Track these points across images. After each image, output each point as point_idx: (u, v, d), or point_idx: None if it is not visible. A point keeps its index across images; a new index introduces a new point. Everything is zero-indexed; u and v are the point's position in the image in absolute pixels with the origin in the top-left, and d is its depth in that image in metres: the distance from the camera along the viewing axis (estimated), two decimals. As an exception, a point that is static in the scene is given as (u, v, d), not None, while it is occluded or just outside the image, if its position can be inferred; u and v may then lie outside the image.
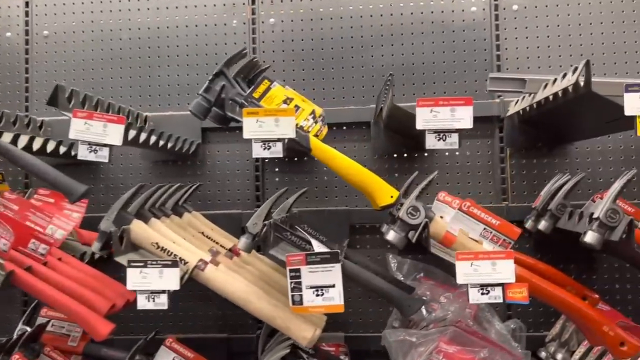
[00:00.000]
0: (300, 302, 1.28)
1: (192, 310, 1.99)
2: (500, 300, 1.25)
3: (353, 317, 1.96)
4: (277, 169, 2.01)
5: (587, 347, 1.54)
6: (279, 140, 1.30)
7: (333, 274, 1.28)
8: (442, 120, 1.28)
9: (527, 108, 1.72)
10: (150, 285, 1.31)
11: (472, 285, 1.26)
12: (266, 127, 1.30)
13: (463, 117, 1.27)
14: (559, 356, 1.63)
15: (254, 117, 1.30)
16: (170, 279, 1.32)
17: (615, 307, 1.81)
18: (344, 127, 2.00)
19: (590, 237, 1.30)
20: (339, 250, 1.28)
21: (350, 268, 1.42)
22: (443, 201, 1.66)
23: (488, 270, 1.26)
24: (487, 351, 1.43)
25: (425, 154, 1.97)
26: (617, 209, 1.29)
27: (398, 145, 1.95)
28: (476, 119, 1.96)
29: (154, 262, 1.32)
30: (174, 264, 1.32)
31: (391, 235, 1.34)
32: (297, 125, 1.36)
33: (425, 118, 1.28)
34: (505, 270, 1.25)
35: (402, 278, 1.82)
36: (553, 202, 1.67)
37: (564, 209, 1.65)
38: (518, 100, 1.81)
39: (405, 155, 1.97)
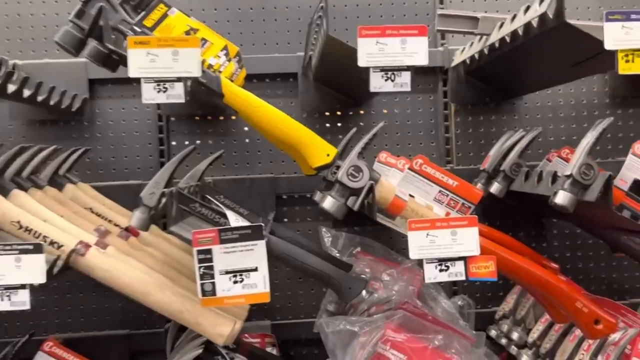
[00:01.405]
0: (213, 293, 0.98)
1: (84, 304, 1.62)
2: (463, 278, 1.02)
3: (280, 301, 1.68)
4: (185, 131, 1.67)
5: (546, 324, 1.36)
6: (178, 80, 0.97)
7: (255, 255, 0.99)
8: (391, 54, 1.01)
9: (477, 55, 1.49)
10: (3, 278, 0.96)
11: (429, 260, 1.02)
12: (161, 62, 0.97)
13: (416, 50, 1.00)
14: (515, 335, 1.44)
15: (144, 47, 0.97)
16: (33, 269, 0.97)
17: (566, 276, 1.67)
18: (267, 80, 1.69)
19: (561, 197, 1.09)
20: (262, 224, 0.99)
21: (277, 246, 1.14)
22: (385, 163, 1.41)
23: (447, 241, 1.01)
24: (442, 337, 1.20)
25: (362, 112, 1.71)
26: (591, 165, 1.09)
27: (331, 101, 1.67)
28: (417, 70, 1.75)
29: (8, 247, 0.96)
30: (37, 248, 0.97)
31: (328, 203, 1.07)
32: (204, 62, 1.04)
33: (370, 52, 1.00)
34: (468, 240, 1.02)
35: (337, 254, 1.56)
36: (506, 162, 1.47)
37: (518, 169, 1.45)
38: (465, 47, 1.59)
39: (338, 113, 1.70)
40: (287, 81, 1.68)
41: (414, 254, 1.02)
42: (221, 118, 1.67)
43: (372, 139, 1.10)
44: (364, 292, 1.46)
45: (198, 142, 1.66)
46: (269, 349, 1.61)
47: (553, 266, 1.39)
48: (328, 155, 1.10)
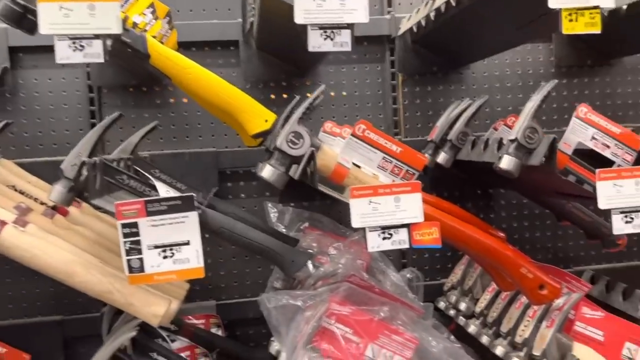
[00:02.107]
0: (141, 269, 0.91)
1: (12, 290, 1.51)
2: (407, 245, 0.98)
3: (226, 280, 1.62)
4: (119, 103, 1.56)
5: (493, 293, 1.36)
6: (96, 37, 0.88)
7: (187, 227, 0.92)
8: (329, 11, 0.94)
9: (423, 22, 1.45)
10: None
11: (372, 228, 0.97)
12: (76, 18, 0.88)
13: (356, 7, 0.94)
14: (462, 305, 1.43)
15: (56, 1, 0.87)
16: None
17: (513, 246, 1.67)
18: (206, 48, 1.60)
19: (506, 162, 1.07)
20: (193, 194, 0.92)
21: (214, 219, 1.07)
22: (330, 132, 1.36)
23: (390, 207, 0.97)
24: (388, 309, 1.17)
25: (308, 83, 1.65)
26: (536, 128, 1.07)
27: (275, 70, 1.60)
28: (364, 39, 1.69)
29: None
30: (-61, 226, 0.87)
31: (267, 172, 1.00)
32: (126, 20, 0.95)
33: (307, 8, 0.93)
34: (411, 207, 0.98)
35: (284, 230, 1.50)
36: (453, 131, 1.44)
37: (465, 138, 1.43)
38: (411, 15, 1.54)
39: (284, 83, 1.63)
40: (229, 50, 1.60)
41: (356, 222, 0.97)
42: (157, 89, 1.57)
43: (312, 103, 1.04)
44: (310, 267, 1.42)
45: (133, 116, 1.56)
46: (214, 330, 1.55)
47: (499, 235, 1.38)
48: (266, 121, 1.04)
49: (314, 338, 1.12)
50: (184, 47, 1.57)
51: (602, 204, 1.02)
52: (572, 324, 1.16)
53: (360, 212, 0.97)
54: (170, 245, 0.92)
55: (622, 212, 1.03)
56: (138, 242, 0.91)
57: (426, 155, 1.52)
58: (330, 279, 1.29)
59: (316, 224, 1.58)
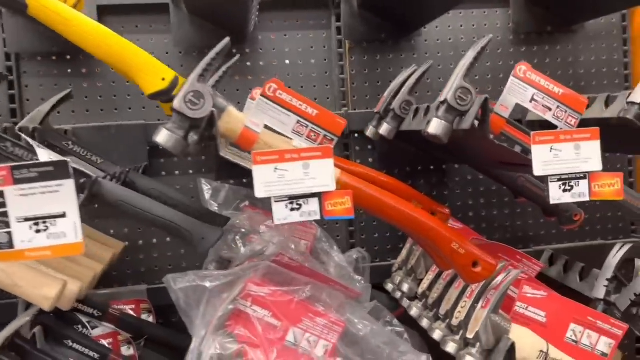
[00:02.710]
0: (10, 245, 0.80)
1: None
2: (317, 217, 0.88)
3: (159, 263, 1.52)
4: (40, 72, 1.44)
5: (436, 273, 1.26)
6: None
7: (62, 197, 0.81)
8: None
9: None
10: None
11: (278, 198, 0.87)
12: None
13: None
14: (405, 287, 1.34)
15: None
16: None
17: (468, 225, 1.57)
18: (135, 13, 1.48)
19: (434, 126, 0.97)
20: (68, 160, 0.81)
21: (111, 191, 0.97)
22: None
23: (299, 175, 0.87)
24: (311, 288, 1.07)
25: (248, 50, 1.54)
26: (468, 88, 0.97)
27: (209, 36, 1.48)
28: (308, 4, 1.58)
29: None
30: None
31: (163, 137, 0.89)
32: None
33: None
34: (322, 174, 0.87)
35: (216, 208, 1.40)
36: (396, 100, 1.34)
37: (409, 108, 1.32)
38: (356, -24, 1.43)
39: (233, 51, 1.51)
40: (160, 14, 1.48)
41: (260, 191, 0.87)
42: (82, 57, 1.45)
43: (215, 60, 0.93)
44: (241, 246, 1.32)
45: (56, 85, 1.44)
46: (144, 316, 1.44)
47: (444, 211, 1.28)
48: (164, 79, 0.92)
49: (227, 322, 1.02)
50: (114, 11, 1.46)
51: (538, 170, 0.92)
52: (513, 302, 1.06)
53: (265, 180, 0.87)
54: (44, 218, 0.81)
55: (560, 180, 0.92)
56: (5, 214, 0.79)
57: (370, 127, 1.43)
58: (257, 258, 1.19)
59: (257, 203, 1.47)
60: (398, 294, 1.41)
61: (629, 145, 1.38)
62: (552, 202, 0.93)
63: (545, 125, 1.04)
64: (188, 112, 0.90)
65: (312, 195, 0.87)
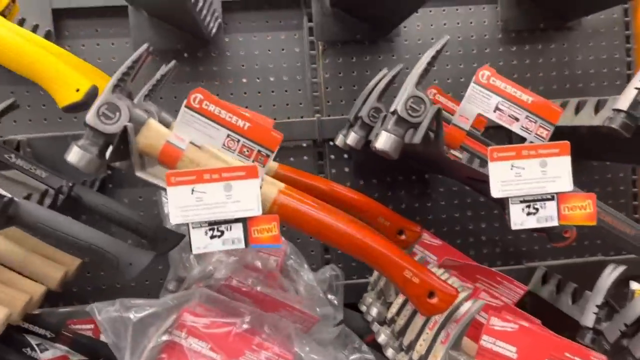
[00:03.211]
0: None
1: None
2: (242, 245, 0.78)
3: (122, 279, 1.44)
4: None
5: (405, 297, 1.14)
6: None
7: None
8: None
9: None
10: None
11: (196, 224, 0.77)
12: None
13: None
14: (374, 310, 1.23)
15: None
16: None
17: (453, 240, 1.45)
18: (94, 16, 1.40)
19: (382, 140, 0.86)
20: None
21: (30, 214, 0.89)
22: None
23: (220, 197, 0.77)
24: (255, 317, 0.97)
25: (214, 54, 1.44)
26: (421, 97, 0.86)
27: (171, 39, 1.40)
28: (278, 3, 1.47)
29: None
30: None
31: (74, 155, 0.81)
32: None
33: None
34: (247, 196, 0.77)
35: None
36: (364, 107, 1.23)
37: (377, 115, 1.21)
38: (326, -28, 1.33)
39: (185, 54, 1.43)
40: (119, 17, 1.40)
41: (175, 216, 0.77)
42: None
43: (133, 67, 0.84)
44: (196, 266, 1.23)
45: (12, 93, 1.38)
46: (104, 337, 1.37)
47: (413, 229, 1.17)
48: (78, 90, 0.84)
49: (160, 354, 0.93)
50: (69, 15, 1.39)
51: (495, 191, 0.80)
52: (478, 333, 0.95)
53: (181, 203, 0.77)
54: None
55: (522, 202, 0.81)
56: None
57: (340, 135, 1.32)
58: (203, 282, 1.10)
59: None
60: (369, 317, 1.30)
61: (626, 154, 1.25)
62: (513, 227, 0.81)
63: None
64: (101, 126, 0.81)
65: (236, 220, 0.78)
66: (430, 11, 1.45)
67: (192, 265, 1.22)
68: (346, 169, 1.46)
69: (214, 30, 1.37)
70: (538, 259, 1.52)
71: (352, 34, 1.43)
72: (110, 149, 0.82)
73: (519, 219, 0.81)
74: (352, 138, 1.23)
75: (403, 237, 1.16)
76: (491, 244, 1.51)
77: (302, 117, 1.46)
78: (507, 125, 0.88)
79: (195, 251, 0.78)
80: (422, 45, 1.47)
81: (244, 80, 1.45)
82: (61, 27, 1.39)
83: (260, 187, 0.80)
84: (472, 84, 0.88)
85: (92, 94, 0.84)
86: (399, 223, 1.16)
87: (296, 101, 1.46)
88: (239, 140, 0.85)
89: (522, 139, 0.90)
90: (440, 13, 1.46)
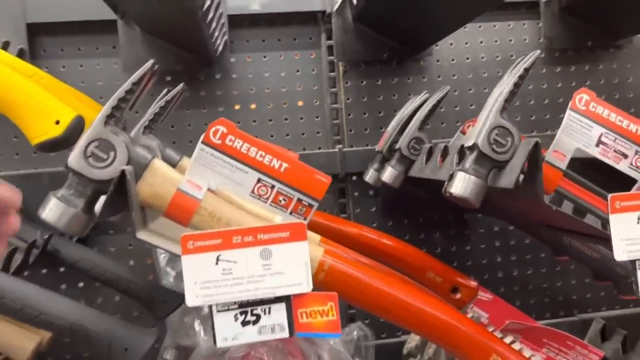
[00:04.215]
0: None
1: None
2: (286, 334, 0.57)
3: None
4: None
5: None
6: None
7: None
8: None
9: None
10: None
11: (223, 307, 0.56)
12: None
13: None
14: (420, 384, 1.01)
15: None
16: None
17: (496, 289, 1.26)
18: (77, 33, 1.20)
19: (460, 184, 0.66)
20: None
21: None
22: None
23: (254, 269, 0.56)
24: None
25: (218, 76, 1.24)
26: (507, 128, 0.66)
27: (168, 59, 1.19)
28: (291, 18, 1.28)
29: None
30: None
31: (51, 211, 0.59)
32: None
33: None
34: (291, 266, 0.57)
35: (172, 279, 1.09)
36: (403, 137, 1.04)
37: (419, 147, 1.02)
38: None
39: (184, 76, 1.22)
40: (107, 33, 1.19)
41: (194, 296, 0.56)
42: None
43: (131, 92, 0.63)
44: (202, 334, 1.01)
45: (-23, 123, 1.15)
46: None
47: (469, 284, 0.96)
48: (58, 122, 0.62)
49: None
50: (48, 31, 1.19)
51: (619, 253, 0.60)
52: None
53: (201, 277, 0.56)
54: None
55: (653, 265, 0.61)
56: None
57: (370, 170, 1.12)
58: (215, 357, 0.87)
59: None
60: (410, 388, 1.09)
61: None
62: (643, 298, 0.61)
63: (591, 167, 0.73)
64: (89, 171, 0.60)
65: (276, 300, 0.57)
66: (465, 28, 1.28)
67: (196, 332, 1.00)
68: (372, 208, 1.26)
69: (220, 49, 1.17)
70: (591, 309, 1.32)
71: (377, 53, 1.25)
72: (102, 200, 0.61)
73: (649, 289, 0.61)
74: (389, 174, 1.03)
75: (458, 295, 0.95)
76: (539, 293, 1.31)
77: (320, 149, 1.26)
78: (613, 164, 0.69)
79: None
80: (456, 65, 1.29)
81: (253, 106, 1.25)
82: (37, 44, 1.18)
83: (307, 251, 0.59)
84: (568, 112, 0.69)
85: (77, 127, 0.63)
86: (452, 279, 0.96)
87: (313, 130, 1.27)
88: (273, 186, 0.65)
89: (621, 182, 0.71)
90: (476, 30, 1.29)
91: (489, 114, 0.67)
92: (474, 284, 0.96)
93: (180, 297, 0.98)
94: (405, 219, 1.27)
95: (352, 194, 1.25)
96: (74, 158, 0.59)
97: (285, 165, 0.64)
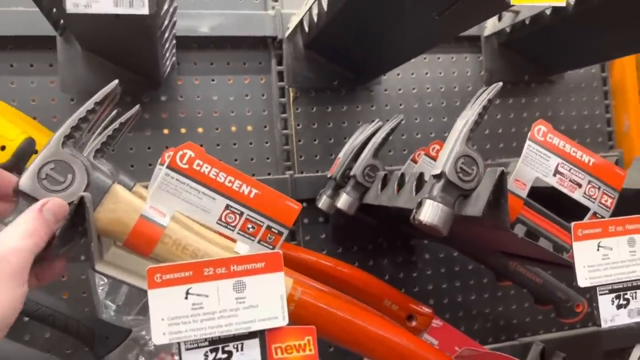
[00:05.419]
0: None
1: None
2: (258, 371, 0.54)
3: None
4: None
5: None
6: None
7: None
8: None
9: (315, 15, 1.06)
10: None
11: (192, 344, 0.52)
12: None
13: None
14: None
15: None
16: None
17: (442, 314, 1.27)
18: (9, 48, 1.11)
19: (430, 212, 0.66)
20: None
21: None
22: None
23: (227, 303, 0.53)
24: None
25: (163, 97, 1.20)
26: (473, 157, 0.68)
27: (108, 77, 1.12)
28: (241, 42, 1.26)
29: None
30: None
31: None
32: None
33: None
34: (266, 299, 0.54)
35: (113, 313, 1.02)
36: (357, 164, 1.04)
37: (374, 174, 1.02)
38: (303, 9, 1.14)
39: (127, 98, 1.16)
40: (43, 50, 1.12)
41: (160, 333, 0.51)
42: None
43: (93, 112, 0.58)
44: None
45: None
46: None
47: (424, 311, 0.97)
48: (4, 148, 0.57)
49: None
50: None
51: (582, 279, 0.63)
52: None
53: (169, 313, 0.52)
54: None
55: (612, 291, 0.64)
56: None
57: (323, 197, 1.11)
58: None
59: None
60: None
61: None
62: (603, 325, 0.63)
63: (555, 197, 0.76)
64: (43, 195, 0.55)
65: (250, 335, 0.53)
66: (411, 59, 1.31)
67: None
68: (322, 235, 1.25)
69: (167, 70, 1.13)
70: (531, 333, 1.37)
71: (328, 80, 1.25)
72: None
73: (609, 314, 0.64)
74: (344, 201, 1.03)
75: (414, 323, 0.95)
76: (482, 318, 1.34)
77: (269, 174, 1.24)
78: (568, 193, 0.72)
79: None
80: (403, 95, 1.32)
81: (200, 130, 1.21)
82: (-37, 59, 1.08)
83: (281, 283, 0.56)
84: (528, 142, 0.72)
85: (26, 150, 0.57)
86: (408, 306, 0.95)
87: (263, 155, 1.24)
88: (242, 213, 0.62)
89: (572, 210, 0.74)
90: (422, 61, 1.33)
91: (455, 143, 0.68)
92: (429, 311, 0.97)
93: (124, 332, 0.91)
94: (354, 246, 1.26)
95: (302, 221, 1.24)
96: (26, 180, 0.54)
97: (255, 191, 0.62)
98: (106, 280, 1.04)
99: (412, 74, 1.33)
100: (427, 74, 1.34)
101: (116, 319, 1.00)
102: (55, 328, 0.89)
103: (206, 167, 0.61)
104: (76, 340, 0.89)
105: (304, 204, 1.23)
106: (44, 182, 0.55)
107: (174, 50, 1.12)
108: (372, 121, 1.17)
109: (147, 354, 0.94)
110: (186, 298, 0.52)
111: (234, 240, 0.62)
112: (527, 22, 1.18)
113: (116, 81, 0.60)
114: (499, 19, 1.28)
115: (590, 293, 0.65)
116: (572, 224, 0.62)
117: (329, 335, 0.64)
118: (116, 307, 1.02)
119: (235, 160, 1.23)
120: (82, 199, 0.53)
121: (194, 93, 1.21)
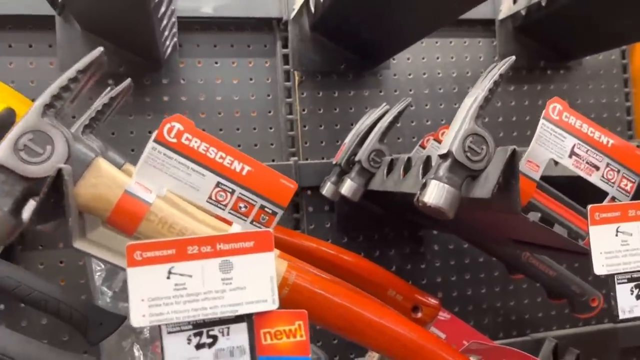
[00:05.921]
0: None
1: None
2: (246, 359, 0.50)
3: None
4: None
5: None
6: None
7: None
8: None
9: (322, -6, 1.02)
10: None
11: (174, 327, 0.49)
12: None
13: None
14: (380, 410, 0.96)
15: None
16: None
17: (451, 308, 1.23)
18: (8, 28, 1.09)
19: (435, 194, 0.62)
20: None
21: None
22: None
23: (213, 284, 0.49)
24: None
25: (165, 80, 1.16)
26: (482, 136, 0.63)
27: (112, 61, 1.07)
28: (245, 24, 1.23)
29: None
30: None
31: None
32: None
33: None
34: (255, 280, 0.50)
35: (109, 299, 0.99)
36: (363, 149, 0.99)
37: (379, 159, 0.98)
38: (308, -11, 1.10)
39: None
40: (43, 30, 1.09)
41: (140, 315, 0.48)
42: None
43: (76, 80, 0.55)
44: (142, 360, 0.91)
45: None
46: None
47: (430, 302, 0.92)
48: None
49: None
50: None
51: (598, 266, 0.58)
52: None
53: (149, 294, 0.48)
54: None
55: (631, 280, 0.59)
56: None
57: (328, 183, 1.07)
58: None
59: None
60: (367, 414, 1.03)
61: None
62: (621, 315, 0.59)
63: (564, 184, 0.72)
64: (20, 166, 0.51)
65: (237, 319, 0.50)
66: (422, 43, 1.27)
67: (135, 358, 0.90)
68: (327, 224, 1.21)
69: (168, 51, 1.10)
70: (544, 328, 1.32)
71: (335, 64, 1.21)
72: (34, 203, 0.52)
73: (627, 304, 0.59)
74: (348, 187, 0.99)
75: (419, 314, 0.91)
76: (492, 312, 1.29)
77: (273, 161, 1.20)
78: (585, 176, 0.67)
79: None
80: (413, 80, 1.27)
81: (202, 114, 1.18)
82: (-40, 38, 1.06)
83: (272, 264, 0.53)
84: (541, 121, 0.67)
85: (5, 121, 0.54)
86: (414, 297, 0.91)
87: (267, 141, 1.21)
88: (233, 191, 0.58)
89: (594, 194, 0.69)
90: (433, 45, 1.28)
91: (463, 120, 0.63)
92: (435, 302, 0.92)
93: (118, 319, 0.88)
94: (360, 236, 1.22)
95: (306, 209, 1.20)
96: (3, 151, 0.51)
97: (247, 168, 0.58)
98: (103, 266, 1.01)
99: (423, 58, 1.28)
100: (438, 58, 1.29)
101: (112, 306, 0.97)
102: (48, 313, 0.86)
103: (195, 142, 0.57)
104: (69, 325, 0.87)
105: (309, 192, 1.20)
106: (22, 154, 0.52)
107: (174, 30, 1.08)
108: (382, 104, 1.13)
109: (143, 341, 0.91)
110: (168, 278, 0.49)
111: (229, 223, 0.59)
112: (543, 3, 1.12)
113: (100, 48, 0.56)
114: (514, 1, 1.23)
115: (608, 284, 0.60)
116: (589, 206, 0.58)
117: (326, 322, 0.60)
118: (113, 293, 0.99)
119: (239, 145, 1.19)
120: (60, 171, 0.50)
121: (196, 76, 1.18)
